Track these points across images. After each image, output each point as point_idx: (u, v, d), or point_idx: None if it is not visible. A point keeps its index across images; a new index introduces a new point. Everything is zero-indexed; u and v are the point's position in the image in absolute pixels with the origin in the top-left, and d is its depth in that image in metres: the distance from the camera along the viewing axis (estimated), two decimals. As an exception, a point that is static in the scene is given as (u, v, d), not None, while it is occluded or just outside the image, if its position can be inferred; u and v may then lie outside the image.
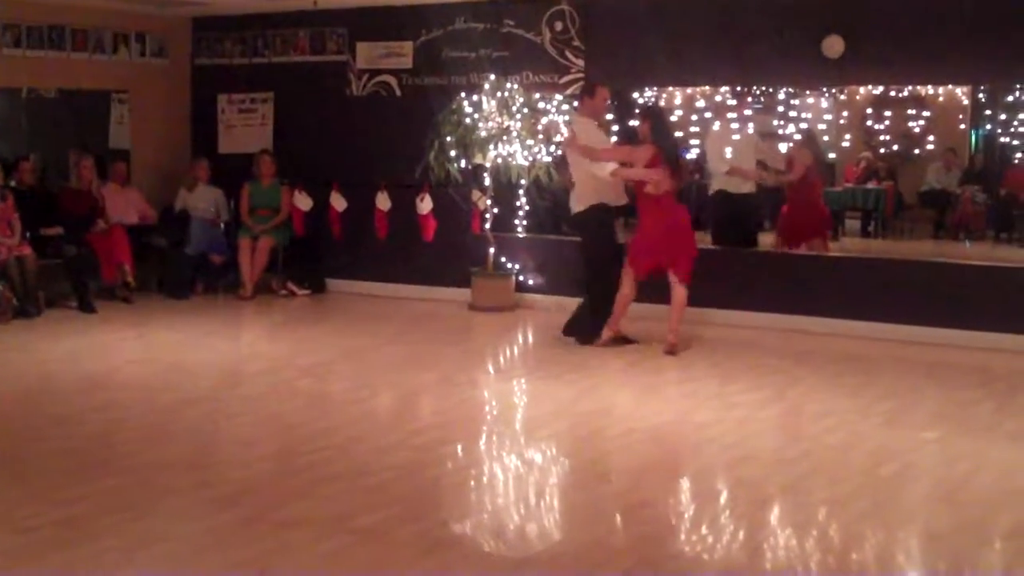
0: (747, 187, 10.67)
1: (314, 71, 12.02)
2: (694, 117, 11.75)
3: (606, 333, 8.85)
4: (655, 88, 11.61)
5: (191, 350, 8.95)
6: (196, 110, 12.77)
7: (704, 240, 10.31)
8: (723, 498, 5.52)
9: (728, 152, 10.64)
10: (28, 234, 10.22)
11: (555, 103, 10.43)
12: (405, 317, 10.64)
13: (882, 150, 13.25)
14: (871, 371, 8.35)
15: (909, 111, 12.86)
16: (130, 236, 10.90)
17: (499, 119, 10.41)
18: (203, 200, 11.74)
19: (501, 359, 9.16)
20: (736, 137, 10.68)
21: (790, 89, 11.65)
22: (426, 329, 10.05)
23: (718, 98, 11.36)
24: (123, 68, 12.08)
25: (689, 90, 11.90)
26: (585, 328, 9.00)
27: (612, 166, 8.74)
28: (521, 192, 10.77)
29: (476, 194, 10.90)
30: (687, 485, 5.80)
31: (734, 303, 10.02)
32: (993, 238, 12.55)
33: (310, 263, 11.90)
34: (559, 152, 9.82)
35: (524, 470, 6.10)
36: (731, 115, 10.84)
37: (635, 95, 11.39)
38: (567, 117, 9.87)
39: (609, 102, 9.44)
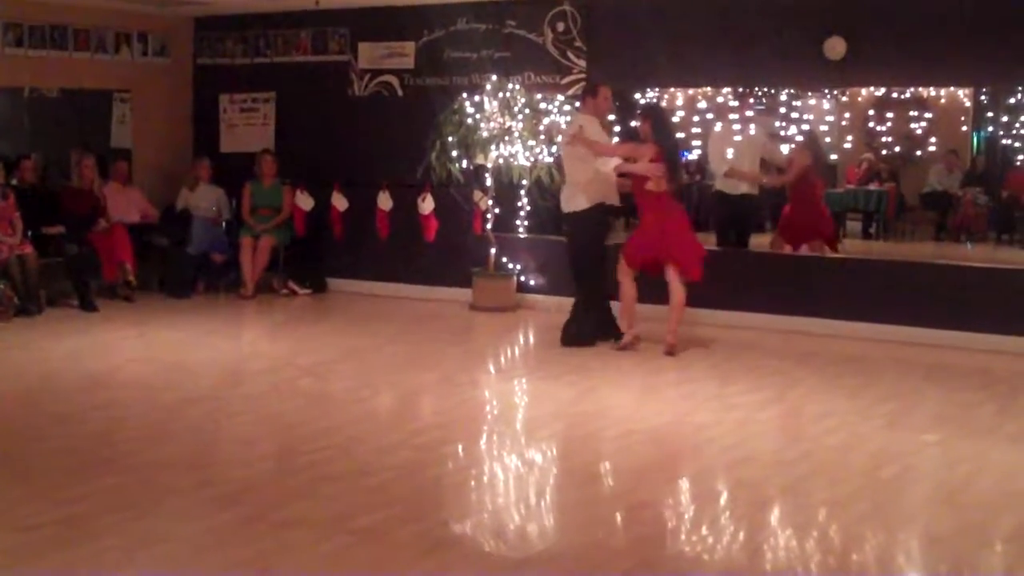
0: (744, 188, 10.66)
1: (316, 71, 12.03)
2: (696, 118, 11.75)
3: (629, 335, 8.81)
4: (657, 89, 11.61)
5: (192, 349, 8.96)
6: (198, 110, 12.78)
7: (708, 240, 10.30)
8: (723, 499, 5.52)
9: (730, 153, 10.64)
10: (30, 233, 10.23)
11: (557, 104, 10.44)
12: (406, 317, 10.64)
13: (884, 152, 13.27)
14: (872, 373, 8.34)
15: (911, 113, 12.88)
16: (131, 235, 10.92)
17: (501, 120, 10.42)
18: (205, 199, 11.75)
19: (502, 359, 9.16)
20: (738, 138, 10.68)
21: (792, 90, 11.66)
22: (427, 329, 10.05)
23: (720, 99, 11.36)
24: (125, 68, 12.08)
25: (691, 91, 11.91)
26: (581, 329, 9.00)
27: (616, 161, 8.75)
28: (523, 193, 10.77)
29: (478, 194, 10.91)
30: (687, 486, 5.80)
31: (734, 304, 10.02)
32: (995, 240, 12.56)
33: (311, 263, 11.91)
34: (559, 151, 9.79)
35: (524, 470, 6.10)
36: (733, 116, 10.84)
37: (637, 96, 11.39)
38: (569, 116, 9.87)
39: (611, 102, 9.42)
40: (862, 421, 6.91)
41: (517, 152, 10.40)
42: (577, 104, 9.81)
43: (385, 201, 11.36)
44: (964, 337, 9.18)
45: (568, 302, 9.50)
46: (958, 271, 9.79)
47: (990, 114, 12.77)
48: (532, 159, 10.40)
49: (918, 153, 13.06)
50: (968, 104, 12.76)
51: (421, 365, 8.49)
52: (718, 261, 10.37)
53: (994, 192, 12.76)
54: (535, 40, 10.90)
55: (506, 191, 10.80)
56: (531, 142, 10.33)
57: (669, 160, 8.62)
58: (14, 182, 10.54)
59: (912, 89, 12.09)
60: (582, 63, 10.70)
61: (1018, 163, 12.84)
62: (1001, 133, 12.79)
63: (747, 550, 4.81)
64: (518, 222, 10.95)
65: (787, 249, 10.64)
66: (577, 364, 8.46)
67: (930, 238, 12.83)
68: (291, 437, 6.48)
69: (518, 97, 10.46)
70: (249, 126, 12.50)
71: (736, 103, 10.88)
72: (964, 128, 13.05)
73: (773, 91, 11.65)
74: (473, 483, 5.77)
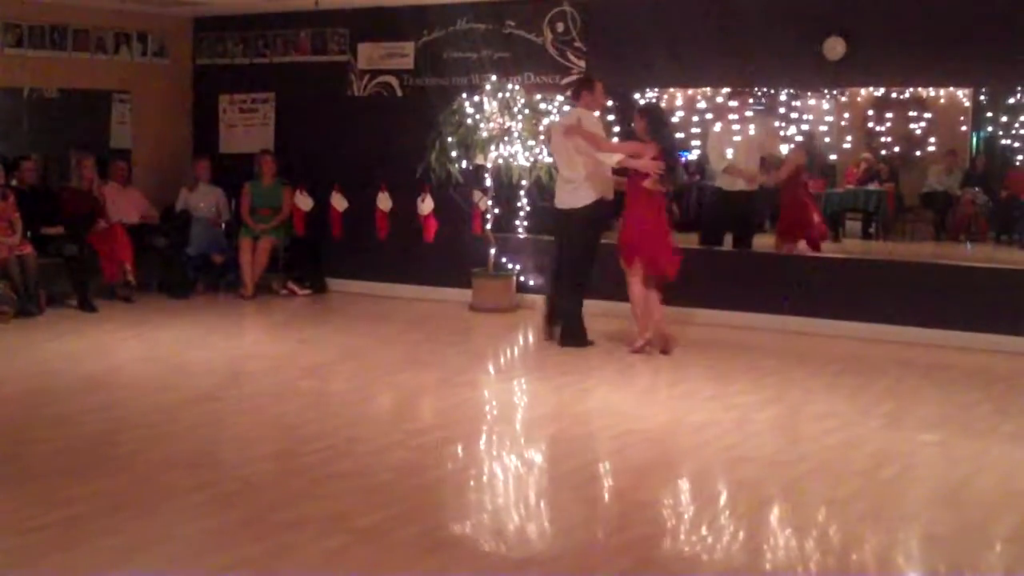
0: (741, 184, 10.68)
1: (315, 71, 12.03)
2: (695, 118, 11.76)
3: (643, 338, 8.78)
4: (656, 89, 11.61)
5: (192, 350, 8.96)
6: (197, 110, 12.79)
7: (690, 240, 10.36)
8: (722, 499, 5.53)
9: (729, 153, 10.65)
10: (29, 233, 10.23)
11: (556, 104, 10.43)
12: (406, 317, 10.65)
13: (883, 152, 13.26)
14: (871, 373, 8.34)
15: (910, 113, 12.86)
16: (131, 236, 10.91)
17: (500, 120, 10.42)
18: (204, 200, 11.76)
19: (501, 360, 9.16)
20: (738, 138, 10.69)
21: (791, 90, 11.66)
22: (426, 329, 10.05)
23: (719, 99, 11.37)
24: (124, 68, 12.09)
25: (690, 91, 11.91)
26: (578, 331, 8.99)
27: (618, 156, 8.71)
28: (522, 193, 10.77)
29: (477, 195, 10.91)
30: (686, 486, 5.80)
31: (733, 304, 10.02)
32: (994, 240, 12.55)
33: (311, 263, 11.91)
34: (548, 144, 9.74)
35: (524, 471, 6.10)
36: (733, 116, 10.85)
37: (636, 96, 11.38)
38: (567, 109, 9.85)
39: (605, 96, 9.39)
40: (861, 421, 6.91)
41: (517, 152, 10.40)
42: (571, 98, 9.72)
43: (384, 201, 11.36)
44: (963, 337, 9.19)
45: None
46: (957, 271, 9.79)
47: (989, 114, 12.75)
48: (532, 159, 10.40)
49: (917, 153, 13.04)
50: (967, 104, 12.75)
51: (420, 365, 8.50)
52: (716, 261, 10.43)
53: (993, 192, 12.76)
54: (535, 40, 10.90)
55: (505, 191, 10.80)
56: (531, 142, 10.33)
57: (666, 161, 8.61)
58: (14, 183, 10.54)
59: (911, 89, 12.08)
60: (582, 63, 10.70)
61: (1017, 163, 12.83)
62: (1000, 133, 12.78)
63: (746, 550, 4.81)
64: (517, 222, 10.95)
65: (783, 248, 10.70)
66: (576, 364, 8.47)
67: (929, 238, 12.82)
68: (291, 438, 6.48)
69: (518, 97, 10.46)
70: (248, 126, 12.51)
71: (735, 103, 10.88)
72: (963, 128, 13.03)
73: (773, 91, 11.65)
74: (472, 483, 5.77)
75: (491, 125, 10.43)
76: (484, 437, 6.80)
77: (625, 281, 8.80)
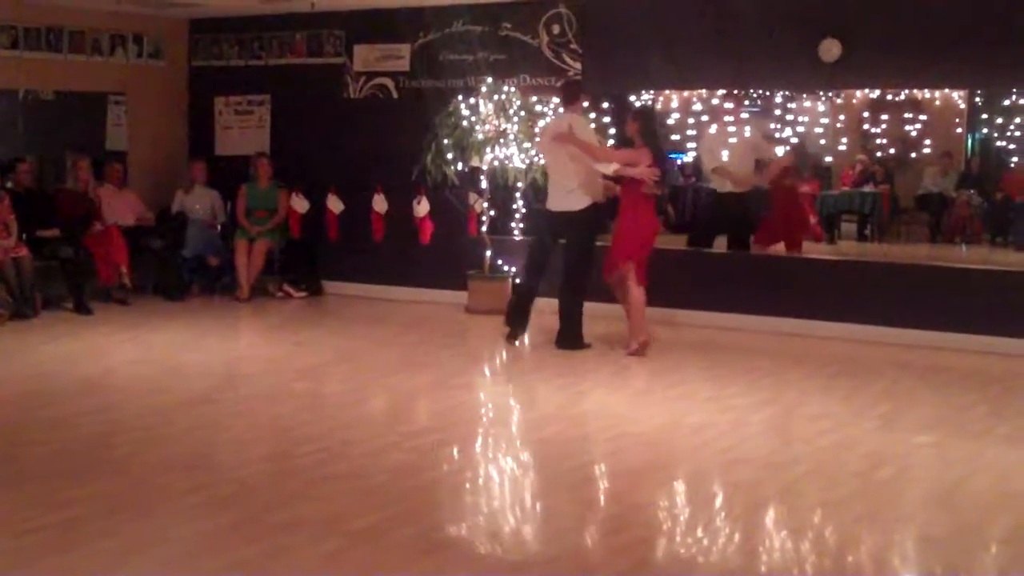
0: (729, 186, 10.70)
1: (311, 73, 12.03)
2: (691, 120, 11.77)
3: (640, 342, 8.80)
4: (652, 91, 11.62)
5: (188, 352, 8.95)
6: (193, 112, 12.78)
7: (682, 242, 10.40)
8: (718, 501, 5.53)
9: (725, 155, 10.66)
10: (25, 236, 10.20)
11: (552, 106, 10.44)
12: (401, 319, 10.64)
13: (879, 153, 13.27)
14: (866, 374, 8.35)
15: (906, 115, 12.87)
16: (127, 238, 10.90)
17: (496, 122, 10.43)
18: (200, 202, 11.75)
19: (497, 362, 9.16)
20: (733, 140, 10.70)
21: (787, 92, 11.68)
22: (422, 331, 10.05)
23: (715, 101, 11.38)
24: (120, 70, 12.08)
25: (686, 93, 11.93)
26: (577, 334, 8.99)
27: (614, 164, 8.73)
28: (518, 195, 10.78)
29: (473, 197, 10.91)
30: (682, 488, 5.80)
31: (728, 306, 10.03)
32: (989, 241, 12.56)
33: (307, 265, 11.90)
34: (538, 149, 9.75)
35: (520, 473, 6.11)
36: (728, 118, 10.85)
37: (632, 98, 11.40)
38: (555, 114, 9.86)
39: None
40: (857, 423, 6.92)
41: (512, 154, 10.41)
42: (562, 101, 9.54)
43: (380, 204, 11.36)
44: (959, 339, 9.20)
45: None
46: (952, 273, 9.81)
47: (984, 116, 12.78)
48: (527, 161, 10.41)
49: (913, 155, 13.06)
50: (963, 106, 12.76)
51: (416, 368, 8.50)
52: (711, 263, 10.44)
53: (989, 194, 12.78)
54: (530, 43, 10.90)
55: (501, 193, 10.81)
56: (526, 144, 10.33)
57: (660, 165, 8.67)
58: (9, 185, 10.53)
59: (907, 91, 12.09)
60: (578, 65, 10.70)
61: (1012, 165, 12.85)
62: (995, 135, 12.80)
63: (742, 552, 4.81)
64: (513, 224, 10.96)
65: (772, 248, 10.74)
66: (572, 366, 8.47)
67: (925, 240, 12.82)
68: (286, 440, 6.48)
69: (513, 99, 10.47)
70: (244, 128, 12.50)
71: (730, 105, 10.89)
72: (959, 130, 13.05)
73: (768, 93, 11.66)
74: (468, 485, 5.78)
75: (487, 127, 10.44)
76: (480, 439, 6.81)
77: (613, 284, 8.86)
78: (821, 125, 12.91)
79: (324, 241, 11.72)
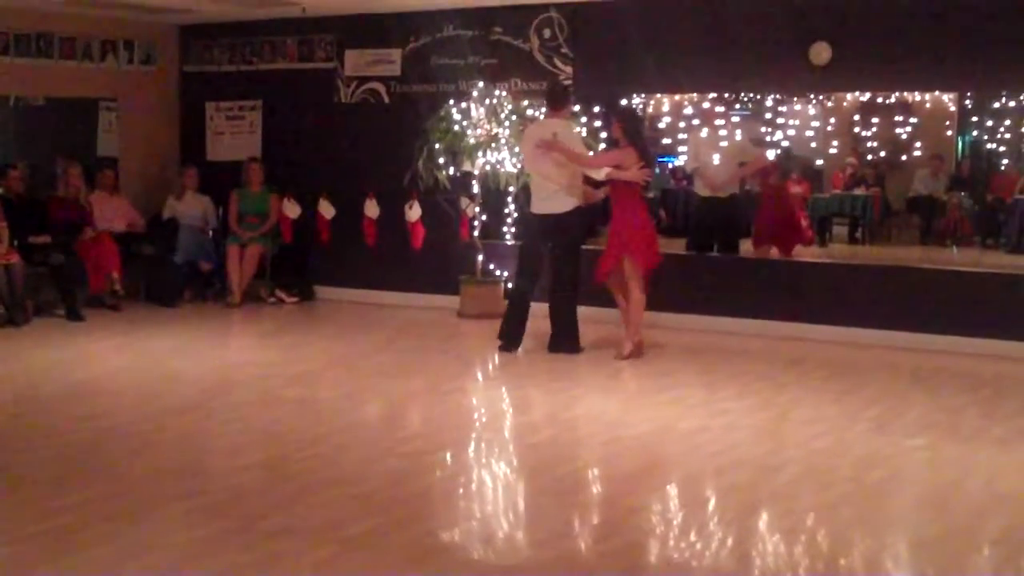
0: (708, 191, 10.74)
1: (302, 79, 12.03)
2: (682, 124, 11.79)
3: (634, 342, 8.81)
4: (643, 95, 11.63)
5: (180, 358, 8.94)
6: (184, 118, 12.77)
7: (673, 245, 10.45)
8: (711, 505, 5.53)
9: (716, 159, 10.68)
10: (16, 242, 10.19)
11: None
12: (393, 325, 10.64)
13: (869, 156, 13.30)
14: (858, 377, 8.37)
15: (896, 118, 12.91)
16: (118, 244, 10.88)
17: (487, 126, 10.43)
18: (191, 208, 11.75)
19: (490, 366, 9.16)
20: (724, 143, 10.72)
21: (777, 95, 11.70)
22: (414, 336, 10.05)
23: (706, 105, 11.40)
24: (111, 76, 12.07)
25: (676, 96, 11.95)
26: (572, 337, 8.99)
27: (605, 169, 8.74)
28: (509, 199, 10.79)
29: (464, 201, 10.92)
30: (675, 492, 5.81)
31: (720, 309, 10.05)
32: (980, 244, 12.59)
33: (299, 270, 11.90)
34: (521, 154, 9.76)
35: (513, 477, 6.11)
36: (719, 121, 10.88)
37: (623, 102, 11.40)
38: (537, 119, 9.87)
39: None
40: (849, 426, 6.93)
41: (504, 159, 10.42)
42: (547, 107, 9.43)
43: (372, 208, 11.36)
44: (950, 341, 9.23)
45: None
46: (944, 275, 9.83)
47: (975, 119, 12.81)
48: (519, 165, 10.41)
49: (903, 158, 13.09)
50: (953, 109, 12.80)
51: (409, 373, 8.49)
52: (704, 266, 10.45)
53: (979, 196, 12.82)
54: (521, 47, 10.92)
55: (493, 198, 10.81)
56: (518, 149, 10.33)
57: (647, 163, 8.70)
58: (0, 191, 10.51)
59: (897, 94, 12.13)
60: (568, 70, 10.72)
61: (1003, 167, 12.89)
62: (986, 137, 12.84)
63: (735, 555, 4.82)
64: (505, 229, 10.96)
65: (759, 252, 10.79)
66: (565, 370, 8.48)
67: (916, 242, 12.85)
68: (279, 446, 6.47)
69: (505, 104, 10.48)
70: (236, 134, 12.49)
71: (721, 109, 10.92)
72: (949, 133, 13.09)
73: (759, 96, 11.68)
74: (462, 491, 5.77)
75: (478, 132, 10.44)
76: (473, 444, 6.81)
77: (611, 287, 8.86)
78: (812, 128, 12.94)
79: (316, 246, 11.72)
